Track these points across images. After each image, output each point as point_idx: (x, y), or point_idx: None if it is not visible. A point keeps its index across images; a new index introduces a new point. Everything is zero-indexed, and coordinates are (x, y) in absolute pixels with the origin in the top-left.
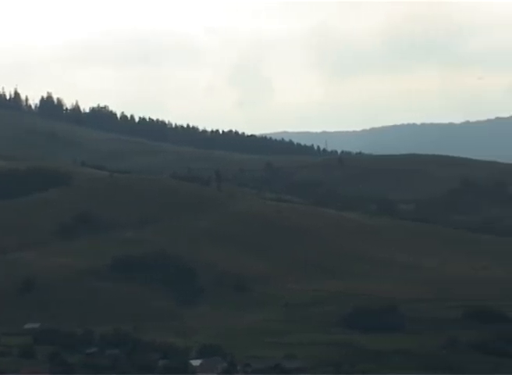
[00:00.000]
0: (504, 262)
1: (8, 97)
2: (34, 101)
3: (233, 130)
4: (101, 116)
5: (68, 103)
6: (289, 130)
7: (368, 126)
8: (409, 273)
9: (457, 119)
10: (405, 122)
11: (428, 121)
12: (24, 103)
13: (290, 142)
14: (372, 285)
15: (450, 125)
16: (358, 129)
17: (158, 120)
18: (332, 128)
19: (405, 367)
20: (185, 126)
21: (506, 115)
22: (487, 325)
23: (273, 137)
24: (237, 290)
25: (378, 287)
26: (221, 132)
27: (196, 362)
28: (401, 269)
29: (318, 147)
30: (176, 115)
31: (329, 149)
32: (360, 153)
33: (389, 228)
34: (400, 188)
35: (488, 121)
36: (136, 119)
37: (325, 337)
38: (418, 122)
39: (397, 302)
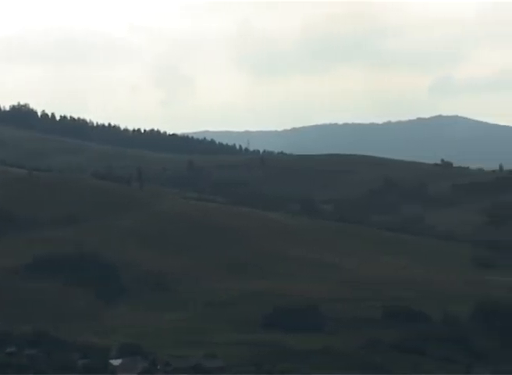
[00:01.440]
0: (424, 262)
1: None
2: None
3: (155, 129)
4: (22, 114)
5: None
6: (211, 129)
7: (289, 126)
8: (330, 273)
9: (379, 119)
10: (327, 122)
11: (349, 121)
12: None
13: (212, 141)
14: (294, 285)
15: (372, 125)
16: (280, 129)
17: (79, 119)
18: (254, 128)
19: (326, 367)
20: (106, 124)
21: (427, 115)
22: (406, 324)
23: (195, 137)
24: (159, 289)
25: (300, 286)
26: (142, 131)
27: (116, 362)
28: (322, 268)
29: (240, 146)
30: (97, 114)
31: (251, 149)
32: (281, 153)
33: (310, 228)
34: (321, 188)
35: (410, 122)
36: (58, 118)
37: (246, 337)
38: (340, 122)
39: (318, 302)
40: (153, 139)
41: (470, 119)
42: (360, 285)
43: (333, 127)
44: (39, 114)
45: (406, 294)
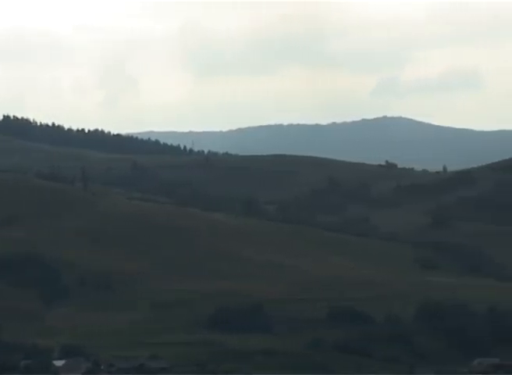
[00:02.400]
0: (368, 263)
1: None
2: None
3: (99, 129)
4: None
5: None
6: (156, 129)
7: (234, 127)
8: (275, 273)
9: (324, 120)
10: (272, 122)
11: (294, 122)
12: None
13: (157, 142)
14: (239, 285)
15: (317, 126)
16: (225, 129)
17: (22, 118)
18: (198, 128)
19: (270, 367)
20: (50, 124)
21: (371, 116)
22: (351, 325)
23: (139, 137)
24: (104, 290)
25: (245, 286)
26: (86, 131)
27: (59, 363)
28: (268, 269)
29: (185, 147)
30: (41, 113)
31: (196, 149)
32: (226, 153)
33: (255, 228)
34: (266, 189)
35: (354, 123)
36: (0, 117)
37: (191, 337)
38: (285, 122)
39: (263, 302)
40: (97, 139)
41: (414, 121)
42: (306, 285)
43: (278, 128)
44: None
45: (351, 295)
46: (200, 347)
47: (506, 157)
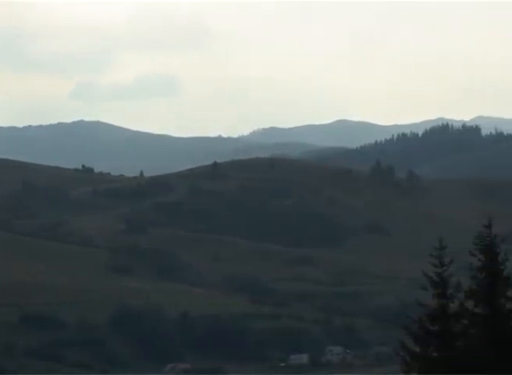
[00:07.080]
0: (62, 268)
1: None
2: None
3: None
4: None
5: None
6: None
7: None
8: None
9: (19, 122)
10: None
11: None
12: None
13: None
14: None
15: (12, 128)
16: None
17: None
18: None
19: None
20: None
21: (69, 120)
22: (43, 330)
23: None
24: None
25: None
26: None
27: None
28: None
29: None
30: None
31: None
32: None
33: None
34: None
35: (51, 126)
36: None
37: None
38: None
39: None
40: None
41: (112, 125)
42: None
43: None
44: None
45: (43, 300)
46: None
47: (201, 163)
